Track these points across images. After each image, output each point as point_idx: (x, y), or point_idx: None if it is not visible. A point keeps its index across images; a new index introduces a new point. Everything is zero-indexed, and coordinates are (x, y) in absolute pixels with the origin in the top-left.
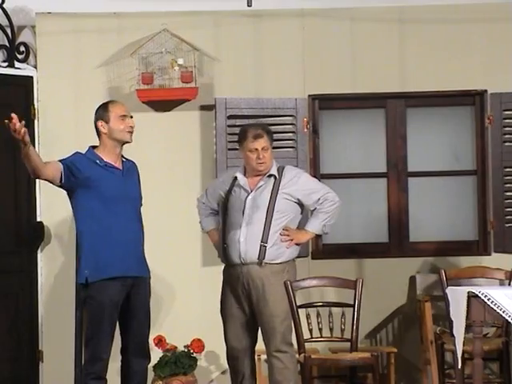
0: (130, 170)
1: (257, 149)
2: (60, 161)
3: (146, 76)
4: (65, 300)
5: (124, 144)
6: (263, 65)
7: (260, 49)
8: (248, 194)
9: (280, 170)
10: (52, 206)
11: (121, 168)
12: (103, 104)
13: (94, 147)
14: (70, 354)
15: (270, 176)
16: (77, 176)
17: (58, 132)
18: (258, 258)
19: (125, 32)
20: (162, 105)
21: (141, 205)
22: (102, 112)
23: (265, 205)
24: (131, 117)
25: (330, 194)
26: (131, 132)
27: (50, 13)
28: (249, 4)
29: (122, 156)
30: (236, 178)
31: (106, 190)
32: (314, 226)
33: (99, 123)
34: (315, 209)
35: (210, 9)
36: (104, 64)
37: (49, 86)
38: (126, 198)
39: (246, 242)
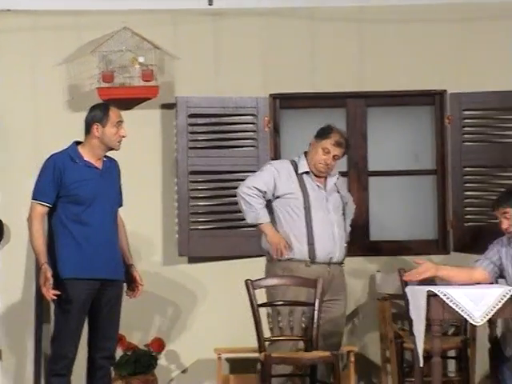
0: (109, 169)
1: (329, 153)
2: (45, 201)
3: (107, 74)
4: (24, 298)
5: (111, 150)
6: (224, 63)
7: (221, 48)
8: (325, 192)
9: None
10: (12, 204)
11: (100, 168)
12: (102, 106)
13: (77, 143)
14: (28, 352)
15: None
16: (59, 191)
17: (18, 130)
18: (343, 259)
19: (85, 30)
20: (123, 103)
21: (120, 205)
22: (101, 115)
23: (340, 206)
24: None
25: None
26: (121, 141)
27: (9, 10)
28: (210, 3)
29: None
30: (304, 173)
31: (82, 191)
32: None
33: (95, 126)
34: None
35: (171, 7)
36: (64, 62)
37: (8, 84)
38: (102, 198)
39: (340, 241)
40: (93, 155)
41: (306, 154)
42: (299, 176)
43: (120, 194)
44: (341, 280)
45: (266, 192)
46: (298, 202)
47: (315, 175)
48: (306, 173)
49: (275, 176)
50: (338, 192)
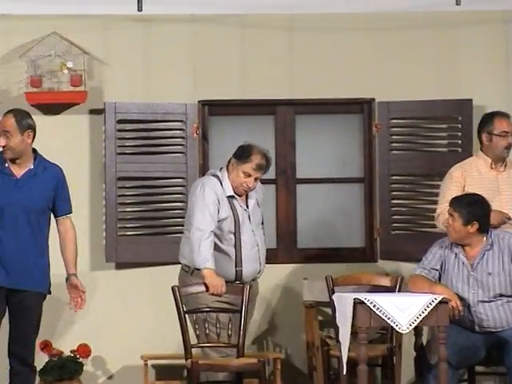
0: (37, 176)
1: (251, 176)
2: None
3: (35, 79)
4: None
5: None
6: (153, 69)
7: (150, 54)
8: (249, 211)
9: None
10: None
11: (18, 176)
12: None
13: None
14: None
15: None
16: None
17: None
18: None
19: (13, 34)
20: (51, 108)
21: (69, 212)
22: None
23: (260, 220)
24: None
25: None
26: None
27: None
28: (139, 9)
29: (44, 160)
30: (230, 196)
31: None
32: None
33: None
34: None
35: (100, 12)
36: None
37: None
38: (15, 207)
39: (263, 261)
40: (10, 161)
41: (227, 167)
42: (227, 198)
43: (65, 201)
44: (256, 291)
45: (214, 227)
46: (229, 226)
47: (237, 194)
48: (232, 196)
49: (216, 202)
50: (258, 204)
